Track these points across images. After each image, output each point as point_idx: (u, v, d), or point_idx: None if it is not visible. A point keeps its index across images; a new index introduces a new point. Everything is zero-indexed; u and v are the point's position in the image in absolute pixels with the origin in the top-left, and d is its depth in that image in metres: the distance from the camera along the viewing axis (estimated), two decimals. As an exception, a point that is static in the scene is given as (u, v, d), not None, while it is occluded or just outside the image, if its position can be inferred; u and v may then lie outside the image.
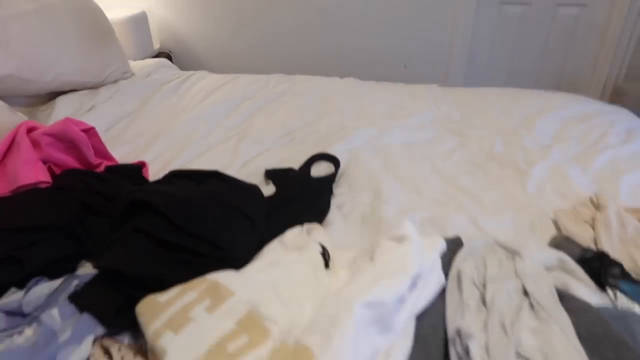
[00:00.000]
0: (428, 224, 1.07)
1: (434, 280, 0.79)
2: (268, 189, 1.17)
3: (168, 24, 2.79)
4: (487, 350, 0.63)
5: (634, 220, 1.03)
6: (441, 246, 0.86)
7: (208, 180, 1.01)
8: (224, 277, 0.76)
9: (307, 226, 0.94)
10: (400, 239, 0.77)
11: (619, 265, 0.92)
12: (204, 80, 1.85)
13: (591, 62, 2.61)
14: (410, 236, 0.77)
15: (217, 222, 0.88)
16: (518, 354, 0.61)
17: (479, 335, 0.66)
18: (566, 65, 2.65)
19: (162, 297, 0.75)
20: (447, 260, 0.89)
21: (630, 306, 0.83)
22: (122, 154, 1.36)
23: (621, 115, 1.58)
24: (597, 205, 1.09)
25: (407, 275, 0.67)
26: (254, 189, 1.03)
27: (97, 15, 1.83)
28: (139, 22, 2.46)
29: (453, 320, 0.74)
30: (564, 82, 2.70)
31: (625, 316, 0.69)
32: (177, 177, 1.03)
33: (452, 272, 0.85)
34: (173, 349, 0.65)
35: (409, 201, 1.16)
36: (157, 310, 0.73)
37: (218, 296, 0.73)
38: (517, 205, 1.15)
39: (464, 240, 0.96)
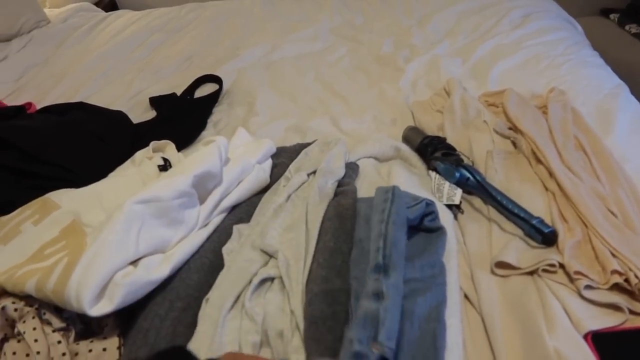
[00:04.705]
0: (291, 130, 1.13)
1: (253, 178, 0.87)
2: (151, 115, 1.24)
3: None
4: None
5: (478, 103, 1.07)
6: (268, 147, 0.93)
7: (71, 112, 1.08)
8: (55, 194, 0.85)
9: (158, 144, 1.01)
10: (206, 144, 0.84)
11: (446, 147, 0.97)
12: (120, 19, 1.87)
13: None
14: (217, 140, 0.83)
15: (67, 147, 0.96)
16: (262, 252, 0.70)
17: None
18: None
19: (7, 217, 0.85)
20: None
21: (442, 183, 0.90)
22: (27, 98, 1.42)
23: (524, 1, 1.55)
24: (448, 93, 1.12)
25: (190, 175, 0.74)
26: (117, 115, 1.10)
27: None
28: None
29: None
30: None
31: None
32: (44, 112, 1.11)
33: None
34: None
35: (281, 111, 1.21)
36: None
37: (45, 210, 0.82)
38: (384, 103, 1.19)
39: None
